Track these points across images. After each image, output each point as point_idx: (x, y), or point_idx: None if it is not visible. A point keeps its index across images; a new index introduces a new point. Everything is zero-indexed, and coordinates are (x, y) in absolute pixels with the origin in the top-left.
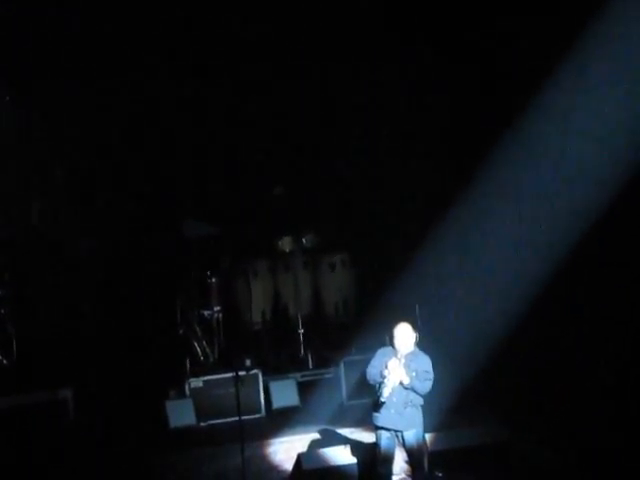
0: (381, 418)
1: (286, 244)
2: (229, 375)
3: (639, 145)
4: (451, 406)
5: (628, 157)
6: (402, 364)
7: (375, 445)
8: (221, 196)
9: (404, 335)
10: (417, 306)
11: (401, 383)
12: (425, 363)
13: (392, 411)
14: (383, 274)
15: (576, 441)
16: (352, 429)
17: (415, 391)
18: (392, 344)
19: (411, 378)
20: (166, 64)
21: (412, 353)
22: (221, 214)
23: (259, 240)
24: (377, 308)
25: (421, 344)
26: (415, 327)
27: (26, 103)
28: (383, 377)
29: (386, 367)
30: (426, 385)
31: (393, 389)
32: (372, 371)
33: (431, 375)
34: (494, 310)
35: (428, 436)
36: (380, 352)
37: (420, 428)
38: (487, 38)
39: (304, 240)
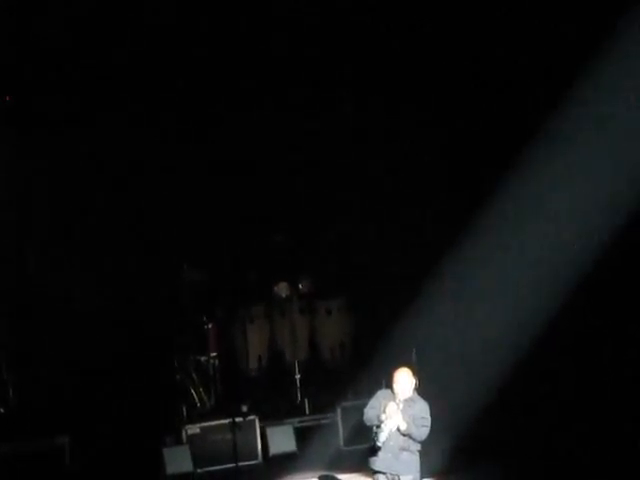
0: (378, 462)
1: (282, 290)
2: (226, 421)
3: None
4: (448, 450)
5: None
6: (400, 409)
7: None
8: (218, 242)
9: (403, 380)
10: (414, 351)
11: (398, 429)
12: (422, 409)
13: (389, 455)
14: (379, 319)
15: None
16: (350, 475)
17: (412, 437)
18: (391, 388)
19: (408, 424)
20: (160, 113)
21: (410, 399)
22: (217, 260)
23: (255, 286)
24: (373, 353)
25: (419, 389)
26: (415, 373)
27: (25, 154)
28: (380, 421)
29: (384, 411)
30: (423, 431)
31: (390, 434)
32: (370, 412)
33: (428, 422)
34: (490, 354)
35: None
36: (380, 394)
37: (417, 473)
38: None
39: (300, 285)
